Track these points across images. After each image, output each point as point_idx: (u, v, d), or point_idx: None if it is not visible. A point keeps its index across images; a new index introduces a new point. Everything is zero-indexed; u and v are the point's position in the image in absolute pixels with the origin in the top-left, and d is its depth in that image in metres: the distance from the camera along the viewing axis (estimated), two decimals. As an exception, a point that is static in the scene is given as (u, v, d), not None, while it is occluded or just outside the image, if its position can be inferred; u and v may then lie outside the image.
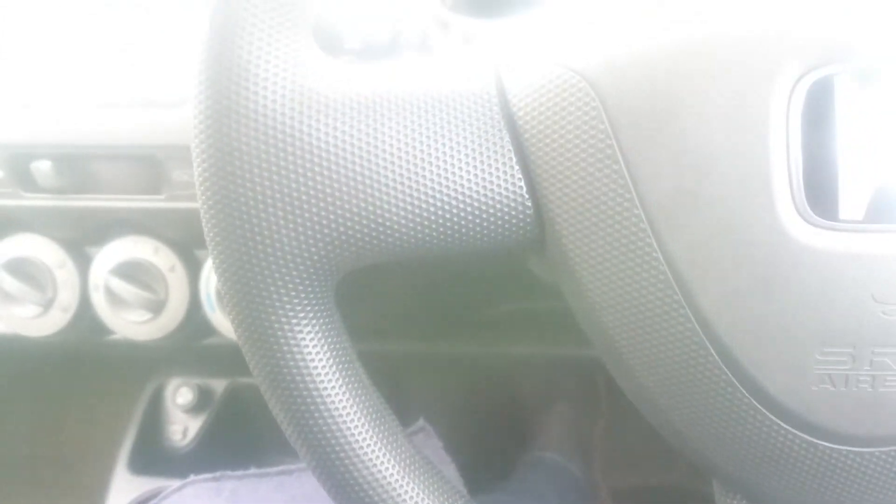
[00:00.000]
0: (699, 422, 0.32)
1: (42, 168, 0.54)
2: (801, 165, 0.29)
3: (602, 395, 0.88)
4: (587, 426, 0.87)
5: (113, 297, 0.59)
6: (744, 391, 0.31)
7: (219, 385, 0.83)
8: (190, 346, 0.65)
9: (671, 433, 0.34)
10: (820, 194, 0.29)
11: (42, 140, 0.54)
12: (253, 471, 0.61)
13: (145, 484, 0.77)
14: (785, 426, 0.31)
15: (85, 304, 0.60)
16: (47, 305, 0.60)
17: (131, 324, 0.60)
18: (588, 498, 0.81)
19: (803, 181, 0.29)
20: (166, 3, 0.55)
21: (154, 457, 0.81)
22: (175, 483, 0.66)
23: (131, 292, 0.58)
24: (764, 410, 0.31)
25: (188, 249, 0.61)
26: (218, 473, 0.60)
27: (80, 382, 0.91)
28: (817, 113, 0.29)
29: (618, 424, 0.86)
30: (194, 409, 0.83)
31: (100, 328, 0.61)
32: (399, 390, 0.86)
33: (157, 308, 0.60)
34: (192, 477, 0.61)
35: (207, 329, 0.62)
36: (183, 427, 0.83)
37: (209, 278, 0.60)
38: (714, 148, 0.29)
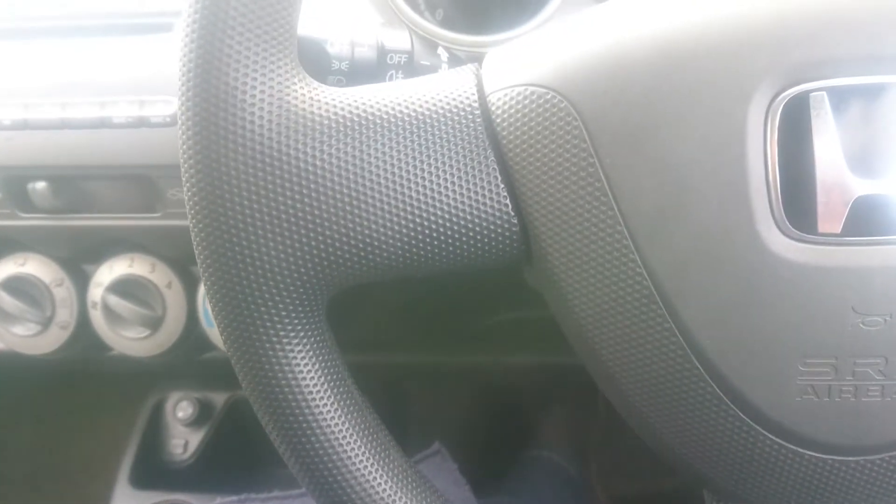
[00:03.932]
0: (687, 434, 0.33)
1: (38, 189, 0.54)
2: (780, 180, 0.29)
3: (600, 401, 0.88)
4: (584, 430, 0.87)
5: (111, 315, 0.59)
6: (729, 403, 0.31)
7: (219, 399, 0.84)
8: (189, 360, 0.65)
9: (660, 446, 0.34)
10: (798, 208, 0.29)
11: (38, 161, 0.54)
12: (276, 493, 0.61)
13: (147, 498, 0.77)
14: (771, 437, 0.32)
15: (83, 321, 0.61)
16: (46, 323, 0.60)
17: (129, 340, 0.60)
18: (583, 498, 0.81)
19: (782, 196, 0.29)
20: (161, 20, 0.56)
21: (155, 471, 0.81)
22: (177, 497, 0.66)
23: (129, 309, 0.59)
24: (750, 422, 0.32)
25: (184, 266, 0.61)
26: (243, 496, 0.61)
27: (80, 398, 0.91)
28: (794, 129, 0.29)
29: (615, 431, 0.86)
30: (195, 422, 0.83)
31: (98, 345, 0.62)
32: (398, 401, 0.86)
33: (154, 324, 0.60)
34: (218, 499, 0.61)
35: (206, 344, 0.62)
36: (184, 441, 0.83)
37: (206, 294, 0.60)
38: (693, 164, 0.30)
